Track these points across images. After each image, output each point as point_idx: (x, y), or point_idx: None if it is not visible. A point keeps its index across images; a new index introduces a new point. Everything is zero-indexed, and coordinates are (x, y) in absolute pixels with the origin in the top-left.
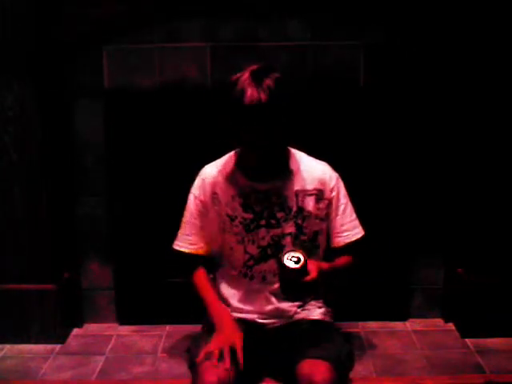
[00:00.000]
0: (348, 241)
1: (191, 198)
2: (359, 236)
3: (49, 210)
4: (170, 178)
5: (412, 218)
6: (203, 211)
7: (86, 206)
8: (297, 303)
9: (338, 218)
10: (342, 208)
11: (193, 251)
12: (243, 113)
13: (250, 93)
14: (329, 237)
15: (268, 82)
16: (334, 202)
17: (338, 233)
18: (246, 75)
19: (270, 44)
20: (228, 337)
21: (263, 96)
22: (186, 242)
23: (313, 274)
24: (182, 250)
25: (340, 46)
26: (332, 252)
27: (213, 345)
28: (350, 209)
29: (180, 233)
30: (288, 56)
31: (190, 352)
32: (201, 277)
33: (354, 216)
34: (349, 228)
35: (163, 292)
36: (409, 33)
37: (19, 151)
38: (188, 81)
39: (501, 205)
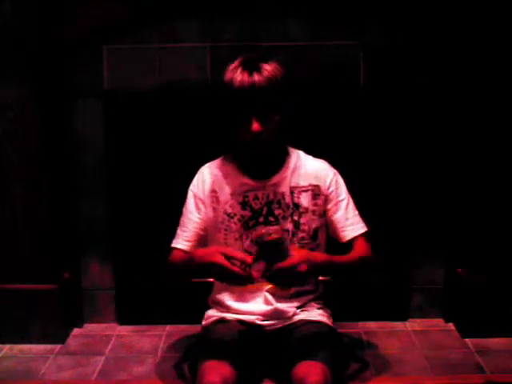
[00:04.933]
0: (355, 234)
1: (190, 195)
2: (365, 230)
3: (49, 209)
4: (169, 177)
5: (412, 218)
6: (202, 209)
7: (86, 205)
8: (296, 303)
9: (342, 212)
10: (344, 203)
11: (187, 248)
12: (235, 98)
13: (240, 76)
14: (333, 234)
15: (262, 64)
16: (333, 197)
17: (344, 227)
18: (236, 62)
19: (270, 44)
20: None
21: (256, 77)
22: (182, 239)
23: (294, 258)
24: (178, 246)
25: (340, 45)
26: (343, 249)
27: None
28: (351, 204)
29: (178, 231)
30: (288, 56)
31: (189, 354)
32: (181, 254)
33: (357, 212)
34: (354, 222)
35: (163, 292)
36: (409, 33)
37: (19, 151)
38: (188, 81)
39: (501, 205)
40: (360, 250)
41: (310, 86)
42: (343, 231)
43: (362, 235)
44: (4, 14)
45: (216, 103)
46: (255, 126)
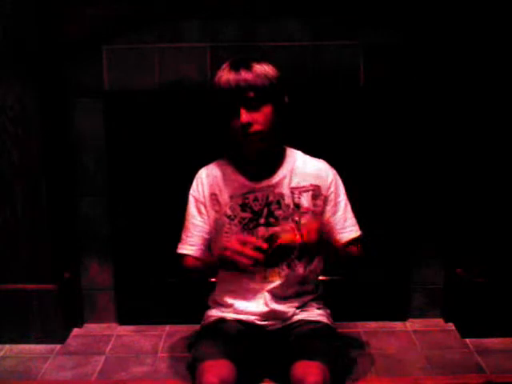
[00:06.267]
0: (354, 235)
1: (191, 199)
2: (359, 234)
3: (49, 209)
4: (169, 177)
5: (412, 217)
6: (204, 212)
7: (86, 205)
8: (295, 304)
9: (341, 213)
10: (343, 204)
11: (194, 253)
12: (223, 95)
13: (227, 75)
14: (328, 235)
15: (252, 63)
16: (332, 197)
17: (342, 228)
18: (226, 63)
19: (270, 44)
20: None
21: (243, 74)
22: (188, 244)
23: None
24: (185, 252)
25: (340, 45)
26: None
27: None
28: (349, 206)
29: (183, 235)
30: (288, 56)
31: (188, 354)
32: (192, 259)
33: (353, 214)
34: (351, 224)
35: (163, 292)
36: (409, 32)
37: (19, 151)
38: (188, 81)
39: (501, 205)
40: (352, 250)
41: (310, 86)
42: (341, 233)
43: (356, 238)
44: (4, 15)
45: (213, 104)
46: (244, 116)
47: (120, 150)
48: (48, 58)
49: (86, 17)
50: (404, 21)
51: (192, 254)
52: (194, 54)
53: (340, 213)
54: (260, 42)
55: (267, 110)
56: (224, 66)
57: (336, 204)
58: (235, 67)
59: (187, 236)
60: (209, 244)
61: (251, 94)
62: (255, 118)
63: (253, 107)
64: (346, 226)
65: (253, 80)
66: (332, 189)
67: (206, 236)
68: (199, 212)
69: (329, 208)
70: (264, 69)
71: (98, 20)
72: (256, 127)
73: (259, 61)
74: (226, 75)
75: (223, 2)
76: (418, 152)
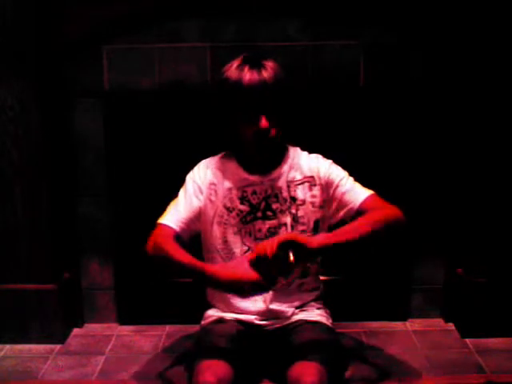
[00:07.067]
0: (367, 194)
1: (189, 181)
2: (371, 192)
3: (49, 209)
4: (169, 177)
5: (412, 217)
6: (199, 196)
7: (86, 206)
8: (295, 303)
9: (346, 187)
10: (345, 180)
11: (178, 230)
12: (243, 96)
13: (249, 74)
14: (347, 211)
15: (265, 62)
16: (332, 181)
17: (353, 196)
18: (238, 60)
19: (270, 44)
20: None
21: (264, 75)
22: (176, 218)
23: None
24: (169, 224)
25: (340, 45)
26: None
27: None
28: (352, 179)
29: (171, 209)
30: (288, 56)
31: (187, 354)
32: (171, 241)
33: (357, 184)
34: (359, 189)
35: (163, 292)
36: (409, 32)
37: (19, 151)
38: (188, 81)
39: (501, 206)
40: (372, 206)
41: (310, 85)
42: (352, 201)
43: (370, 196)
44: (4, 14)
45: (216, 103)
46: (264, 122)
47: (120, 150)
48: (48, 58)
49: (86, 17)
50: (404, 20)
51: (176, 230)
52: (194, 53)
53: (346, 187)
54: (260, 42)
55: (282, 115)
56: (239, 63)
57: (339, 184)
58: (255, 67)
59: (177, 211)
60: (190, 228)
61: (271, 100)
62: (272, 125)
63: (271, 113)
64: (357, 192)
65: (273, 84)
66: (327, 174)
67: (192, 216)
68: (195, 195)
69: (333, 190)
70: (278, 70)
71: (98, 20)
72: (271, 134)
73: (268, 59)
74: (247, 76)
75: (223, 1)
76: (418, 152)
